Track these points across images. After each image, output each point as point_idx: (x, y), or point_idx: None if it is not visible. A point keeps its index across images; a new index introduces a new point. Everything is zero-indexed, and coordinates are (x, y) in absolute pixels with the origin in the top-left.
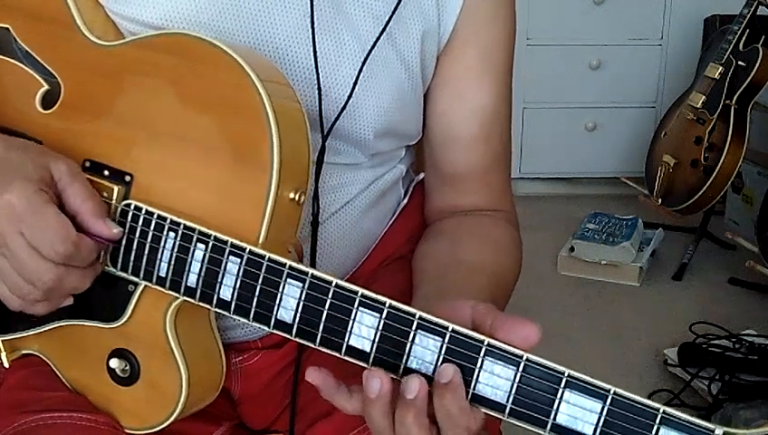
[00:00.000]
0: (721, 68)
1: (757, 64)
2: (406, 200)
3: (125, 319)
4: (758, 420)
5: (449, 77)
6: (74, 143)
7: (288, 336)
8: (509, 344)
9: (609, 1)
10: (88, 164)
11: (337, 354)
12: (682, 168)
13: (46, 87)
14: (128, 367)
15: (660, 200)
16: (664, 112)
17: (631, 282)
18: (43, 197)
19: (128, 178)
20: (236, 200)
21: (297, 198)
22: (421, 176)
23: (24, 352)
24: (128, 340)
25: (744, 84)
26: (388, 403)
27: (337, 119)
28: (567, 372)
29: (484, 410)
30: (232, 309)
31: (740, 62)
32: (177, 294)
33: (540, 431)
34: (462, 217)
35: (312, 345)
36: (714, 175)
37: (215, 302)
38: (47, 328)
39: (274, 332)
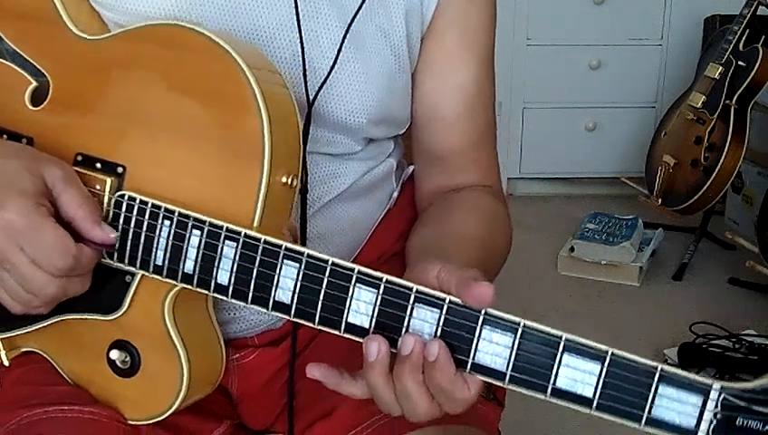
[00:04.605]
0: (721, 68)
1: (757, 64)
2: (397, 193)
3: (123, 310)
4: None
5: (433, 57)
6: (65, 138)
7: (287, 317)
8: (466, 306)
9: (609, 1)
10: (80, 158)
11: (336, 332)
12: (682, 168)
13: (35, 84)
14: (128, 358)
15: (660, 200)
16: (664, 112)
17: (631, 282)
18: (41, 211)
19: (120, 170)
20: (229, 187)
21: (289, 181)
22: (411, 168)
23: (23, 349)
24: (127, 331)
25: (744, 84)
26: (387, 366)
27: (318, 91)
28: (564, 336)
29: (484, 378)
30: (230, 293)
31: (740, 62)
32: (174, 282)
33: (540, 396)
34: (450, 193)
35: (311, 325)
36: (714, 175)
37: (212, 287)
38: (46, 324)
39: (273, 313)
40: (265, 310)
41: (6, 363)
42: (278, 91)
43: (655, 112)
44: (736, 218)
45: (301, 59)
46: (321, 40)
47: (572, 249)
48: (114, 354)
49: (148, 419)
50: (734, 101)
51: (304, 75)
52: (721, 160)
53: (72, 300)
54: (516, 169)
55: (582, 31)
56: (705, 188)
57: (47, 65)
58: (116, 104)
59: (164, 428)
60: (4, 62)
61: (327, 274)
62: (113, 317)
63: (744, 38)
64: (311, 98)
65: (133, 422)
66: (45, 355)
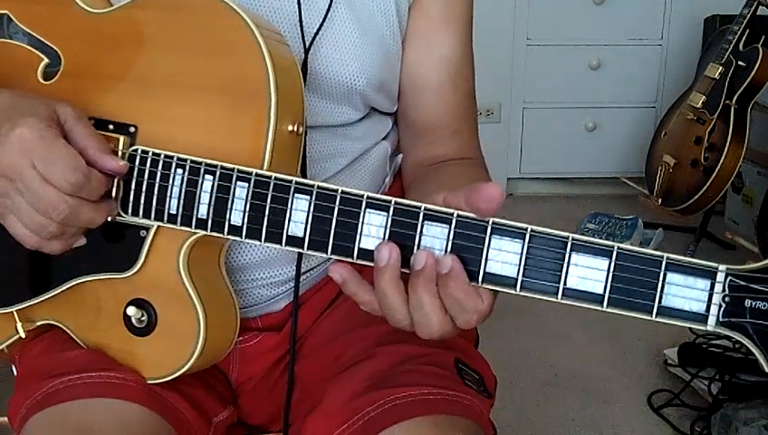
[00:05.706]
0: (721, 68)
1: (757, 64)
2: (390, 178)
3: (139, 266)
4: (758, 420)
5: (418, 28)
6: (77, 105)
7: (300, 250)
8: (478, 211)
9: (609, 1)
10: (92, 121)
11: (349, 260)
12: (682, 168)
13: (46, 60)
14: (144, 316)
15: (660, 200)
16: (664, 112)
17: None
18: (53, 131)
19: (132, 129)
20: (238, 138)
21: (295, 129)
22: (401, 157)
23: (38, 323)
24: (143, 288)
25: (744, 84)
26: (398, 272)
27: (313, 39)
28: (571, 236)
29: (496, 288)
30: (244, 233)
31: (740, 62)
32: (189, 229)
33: (552, 299)
34: (433, 166)
35: (324, 255)
36: (714, 175)
37: (226, 229)
38: (61, 290)
39: (287, 248)
40: (279, 246)
41: (23, 335)
42: (280, 42)
43: (655, 112)
44: (736, 218)
45: (298, 23)
46: (317, 4)
47: None
48: (131, 311)
49: (167, 375)
50: (734, 101)
51: (301, 26)
52: (721, 160)
53: (88, 261)
54: (516, 169)
55: (582, 31)
56: (705, 188)
57: (58, 42)
58: (125, 69)
59: (182, 395)
60: (17, 43)
61: (337, 202)
62: (129, 274)
63: (744, 38)
64: (306, 44)
65: (151, 381)
66: (61, 325)
